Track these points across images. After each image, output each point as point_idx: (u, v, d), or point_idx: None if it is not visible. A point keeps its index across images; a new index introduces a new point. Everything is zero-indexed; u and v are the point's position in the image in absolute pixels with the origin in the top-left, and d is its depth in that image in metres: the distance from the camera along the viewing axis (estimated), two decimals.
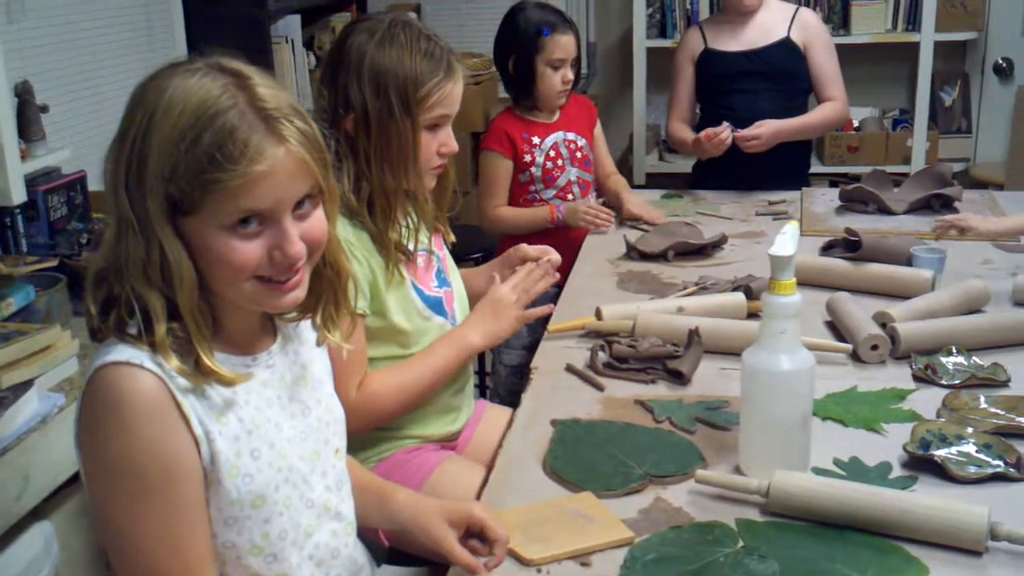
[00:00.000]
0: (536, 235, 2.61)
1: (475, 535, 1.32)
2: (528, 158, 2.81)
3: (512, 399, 2.08)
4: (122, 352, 1.11)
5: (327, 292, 1.27)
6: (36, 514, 1.97)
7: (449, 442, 1.89)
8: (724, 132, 2.88)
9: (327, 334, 1.29)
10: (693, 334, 1.91)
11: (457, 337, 1.82)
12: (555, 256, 1.95)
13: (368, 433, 1.77)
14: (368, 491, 1.41)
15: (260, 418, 1.20)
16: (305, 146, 1.12)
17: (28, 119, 2.46)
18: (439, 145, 1.78)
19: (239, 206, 1.09)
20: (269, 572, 1.20)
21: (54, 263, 2.21)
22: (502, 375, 2.77)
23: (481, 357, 3.35)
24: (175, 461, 1.11)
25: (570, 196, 2.87)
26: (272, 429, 1.21)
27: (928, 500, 1.39)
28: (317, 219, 1.17)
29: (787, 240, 1.47)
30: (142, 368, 1.10)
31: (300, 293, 1.19)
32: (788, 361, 1.47)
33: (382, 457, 1.79)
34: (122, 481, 1.09)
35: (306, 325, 1.32)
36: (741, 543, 1.38)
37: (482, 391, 3.26)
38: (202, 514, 1.13)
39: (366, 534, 1.56)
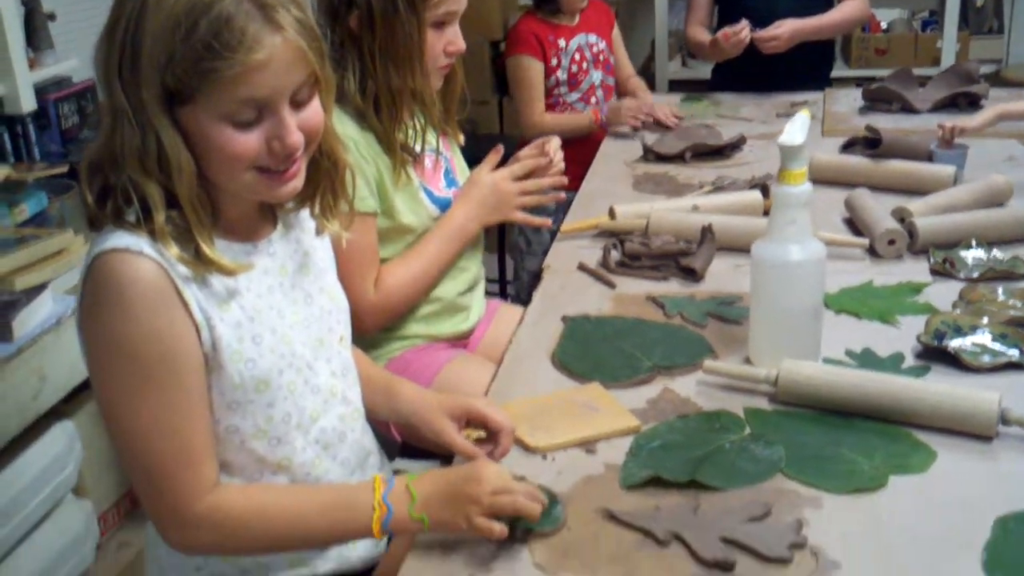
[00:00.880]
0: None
1: (480, 429, 1.33)
2: (555, 61, 2.78)
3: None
4: (121, 239, 1.10)
5: (324, 182, 1.25)
6: (58, 414, 2.01)
7: (460, 341, 1.89)
8: (743, 31, 2.81)
9: (325, 223, 1.29)
10: (706, 231, 1.88)
11: (458, 227, 1.81)
12: (554, 141, 1.92)
13: (378, 335, 1.78)
14: (375, 384, 1.41)
15: (262, 304, 1.19)
16: (302, 34, 1.10)
17: (35, 27, 2.44)
18: (446, 43, 1.74)
19: (237, 95, 1.08)
20: (273, 455, 1.21)
21: (65, 169, 2.21)
22: (524, 281, 2.77)
23: (502, 262, 3.34)
24: (175, 347, 1.11)
25: (593, 99, 2.83)
26: (274, 315, 1.20)
27: (939, 386, 1.38)
28: (314, 109, 1.16)
29: (797, 129, 1.43)
30: (142, 255, 1.09)
31: (298, 183, 1.18)
32: (798, 251, 1.45)
33: (391, 357, 1.79)
34: (122, 366, 1.09)
35: (308, 214, 1.31)
36: (748, 430, 1.37)
37: (503, 295, 3.26)
38: (203, 401, 1.14)
39: (378, 428, 1.57)
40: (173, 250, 1.10)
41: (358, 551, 1.29)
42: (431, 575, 1.13)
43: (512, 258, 2.99)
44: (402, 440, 1.71)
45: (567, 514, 1.21)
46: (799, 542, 1.14)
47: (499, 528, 1.11)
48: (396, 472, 1.59)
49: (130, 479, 1.15)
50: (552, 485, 1.27)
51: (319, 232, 1.31)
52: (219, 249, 1.15)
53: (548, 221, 2.04)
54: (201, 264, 1.12)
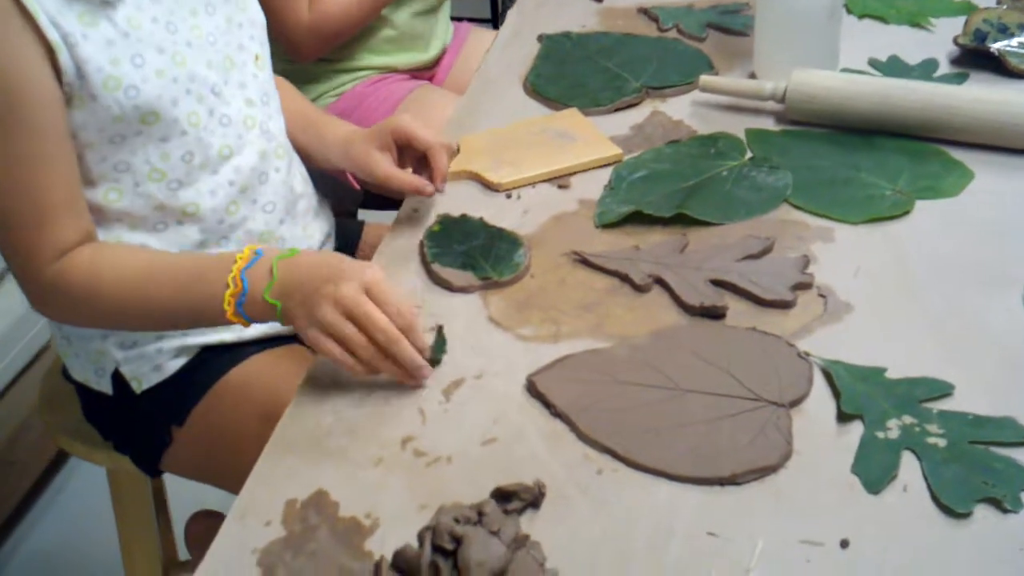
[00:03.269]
0: None
1: (417, 156, 1.12)
2: None
3: None
4: None
5: None
6: None
7: (424, 72, 1.65)
8: None
9: None
10: None
11: None
12: None
13: (319, 66, 1.54)
14: (302, 121, 1.19)
15: (142, 18, 0.96)
16: None
17: None
18: None
19: None
20: (175, 201, 1.01)
21: None
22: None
23: None
24: (18, 80, 0.89)
25: None
26: (160, 31, 0.97)
27: (977, 92, 1.15)
28: None
29: None
30: None
31: None
32: None
33: (340, 92, 1.55)
34: None
35: None
36: (749, 155, 1.16)
37: (495, 24, 2.93)
38: (60, 147, 0.93)
39: (337, 177, 1.37)
40: None
41: None
42: None
43: None
44: (362, 187, 1.52)
45: (530, 259, 1.02)
46: (804, 281, 0.95)
47: (339, 354, 0.85)
48: (348, 220, 1.40)
49: None
50: (517, 227, 1.08)
51: None
52: None
53: None
54: None
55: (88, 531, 1.73)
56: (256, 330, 1.09)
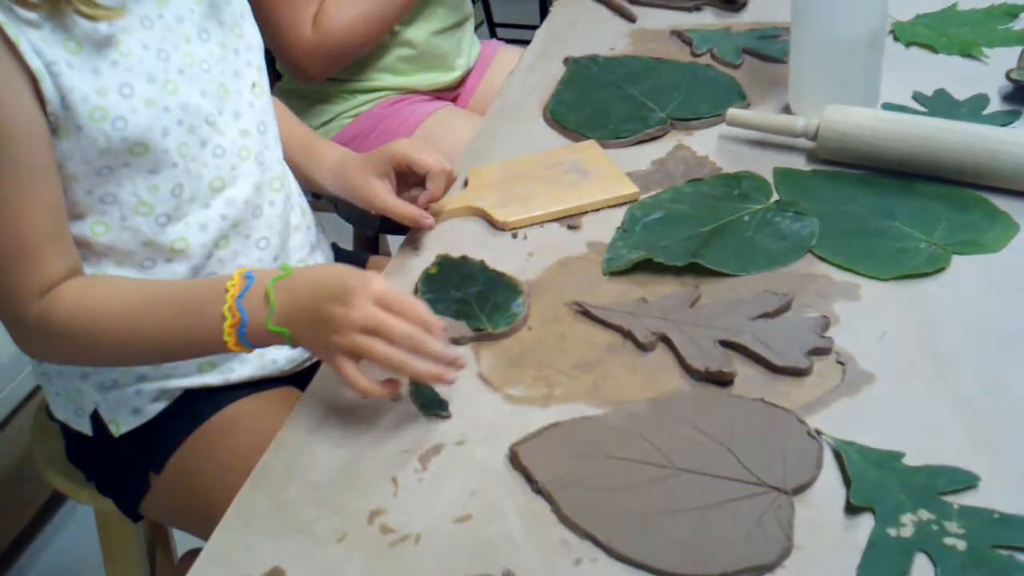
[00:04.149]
0: None
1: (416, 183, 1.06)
2: None
3: None
4: None
5: None
6: None
7: (447, 92, 1.59)
8: None
9: None
10: None
11: None
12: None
13: (334, 86, 1.48)
14: (294, 143, 1.14)
15: (132, 43, 0.91)
16: None
17: None
18: None
19: None
20: (164, 237, 0.96)
21: None
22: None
23: None
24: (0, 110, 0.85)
25: None
26: (150, 58, 0.92)
27: None
28: None
29: None
30: None
31: None
32: None
33: (356, 113, 1.49)
34: None
35: None
36: (775, 197, 1.08)
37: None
38: (45, 180, 0.87)
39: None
40: None
41: (284, 349, 1.05)
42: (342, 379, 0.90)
43: None
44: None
45: (530, 308, 0.96)
46: (822, 346, 0.87)
47: (365, 385, 0.81)
48: (354, 253, 1.35)
49: None
50: (519, 271, 1.01)
51: None
52: None
53: None
54: (50, 1, 0.85)
55: (84, 571, 1.68)
56: (245, 371, 1.04)
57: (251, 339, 0.86)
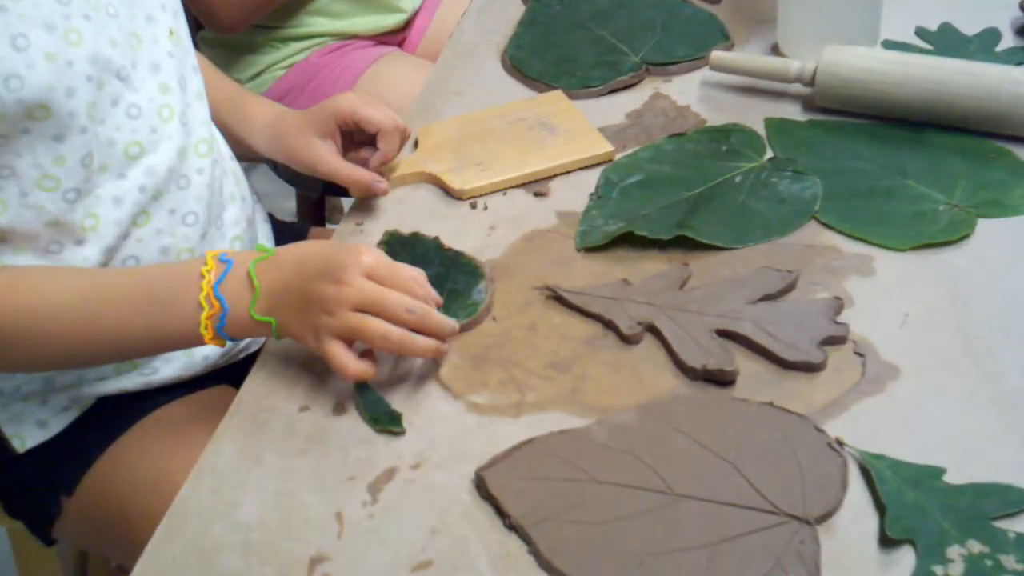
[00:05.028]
0: None
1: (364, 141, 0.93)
2: None
3: None
4: None
5: None
6: None
7: (391, 36, 1.43)
8: None
9: None
10: None
11: None
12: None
13: (262, 34, 1.32)
14: (224, 105, 0.99)
15: None
16: None
17: None
18: None
19: None
20: (72, 214, 0.81)
21: None
22: None
23: None
24: None
25: None
26: (47, 2, 0.76)
27: None
28: None
29: None
30: None
31: None
32: None
33: (289, 63, 1.33)
34: None
35: None
36: (769, 154, 0.95)
37: None
38: None
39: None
40: None
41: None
42: (278, 383, 0.77)
43: None
44: None
45: (493, 294, 0.82)
46: (837, 334, 0.75)
47: (355, 368, 0.71)
48: (294, 224, 1.20)
49: None
50: (480, 249, 0.88)
51: None
52: None
53: None
54: None
55: None
56: (170, 371, 0.90)
57: (230, 331, 0.76)
